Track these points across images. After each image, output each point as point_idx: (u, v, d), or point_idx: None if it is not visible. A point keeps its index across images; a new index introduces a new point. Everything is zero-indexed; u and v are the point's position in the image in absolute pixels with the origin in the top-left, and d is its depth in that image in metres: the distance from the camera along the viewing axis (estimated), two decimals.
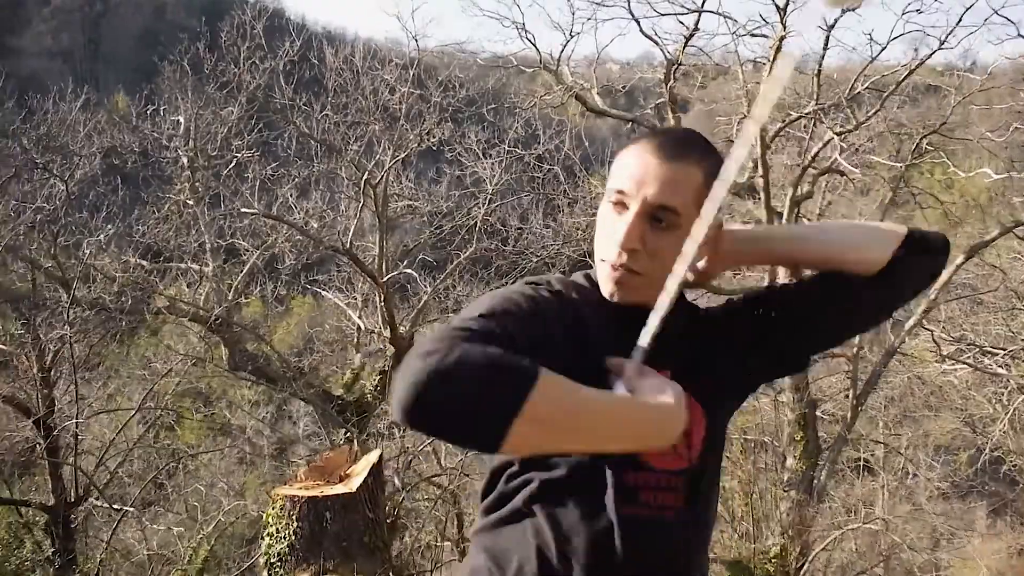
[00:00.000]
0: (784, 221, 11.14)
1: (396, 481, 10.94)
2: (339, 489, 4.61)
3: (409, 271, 12.23)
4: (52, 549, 10.50)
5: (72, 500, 11.01)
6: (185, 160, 12.25)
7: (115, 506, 10.71)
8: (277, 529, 4.59)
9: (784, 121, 11.22)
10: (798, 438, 11.79)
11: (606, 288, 1.38)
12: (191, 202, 12.35)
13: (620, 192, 1.35)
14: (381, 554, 4.54)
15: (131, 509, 10.80)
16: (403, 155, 11.88)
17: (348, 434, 11.88)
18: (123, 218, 12.67)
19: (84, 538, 11.75)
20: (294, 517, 4.53)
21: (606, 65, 17.87)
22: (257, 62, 12.02)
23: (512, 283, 1.42)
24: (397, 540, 12.40)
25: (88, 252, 11.04)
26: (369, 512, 4.54)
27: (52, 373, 11.54)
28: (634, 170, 1.35)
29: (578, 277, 1.47)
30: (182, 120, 12.30)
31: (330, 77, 11.69)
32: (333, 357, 16.05)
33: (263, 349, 12.81)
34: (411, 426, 1.07)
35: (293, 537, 4.52)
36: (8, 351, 11.74)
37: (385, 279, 11.94)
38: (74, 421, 10.87)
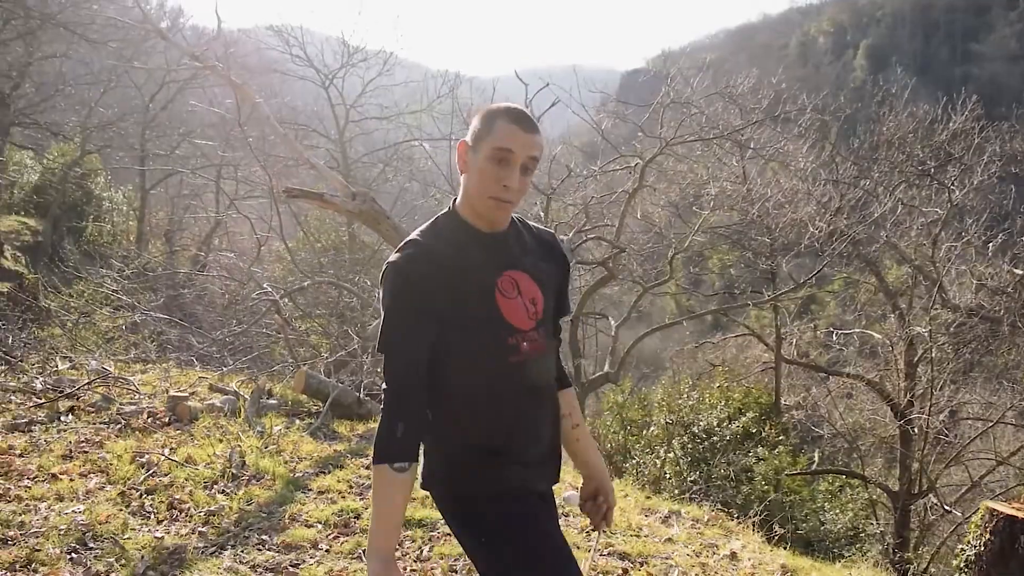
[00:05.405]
0: None
1: None
2: None
3: None
4: (880, 529, 11.08)
5: (914, 492, 11.40)
6: None
7: (946, 507, 10.75)
8: (974, 537, 4.53)
9: None
10: None
11: (494, 216, 2.07)
12: None
13: (508, 151, 1.99)
14: None
15: (959, 513, 10.70)
16: None
17: None
18: (1009, 226, 12.33)
19: (920, 529, 12.01)
20: (988, 530, 4.41)
21: None
22: None
23: None
24: None
25: (956, 255, 11.16)
26: None
27: (918, 368, 12.02)
28: (516, 138, 2.00)
29: (443, 219, 2.12)
30: None
31: None
32: None
33: None
34: None
35: (983, 548, 4.40)
36: (880, 341, 12.62)
37: None
38: (926, 418, 11.18)
